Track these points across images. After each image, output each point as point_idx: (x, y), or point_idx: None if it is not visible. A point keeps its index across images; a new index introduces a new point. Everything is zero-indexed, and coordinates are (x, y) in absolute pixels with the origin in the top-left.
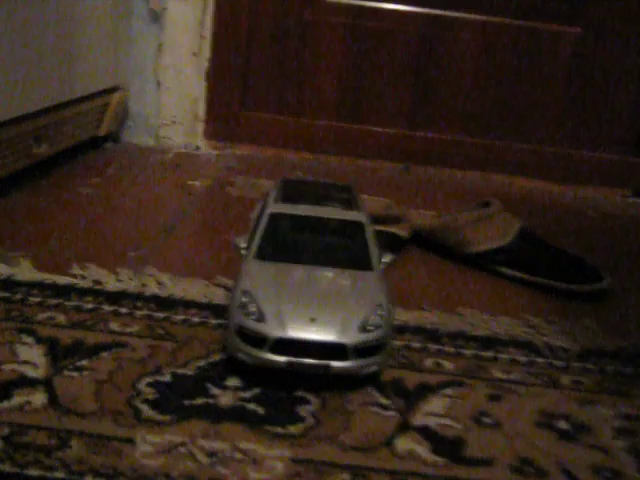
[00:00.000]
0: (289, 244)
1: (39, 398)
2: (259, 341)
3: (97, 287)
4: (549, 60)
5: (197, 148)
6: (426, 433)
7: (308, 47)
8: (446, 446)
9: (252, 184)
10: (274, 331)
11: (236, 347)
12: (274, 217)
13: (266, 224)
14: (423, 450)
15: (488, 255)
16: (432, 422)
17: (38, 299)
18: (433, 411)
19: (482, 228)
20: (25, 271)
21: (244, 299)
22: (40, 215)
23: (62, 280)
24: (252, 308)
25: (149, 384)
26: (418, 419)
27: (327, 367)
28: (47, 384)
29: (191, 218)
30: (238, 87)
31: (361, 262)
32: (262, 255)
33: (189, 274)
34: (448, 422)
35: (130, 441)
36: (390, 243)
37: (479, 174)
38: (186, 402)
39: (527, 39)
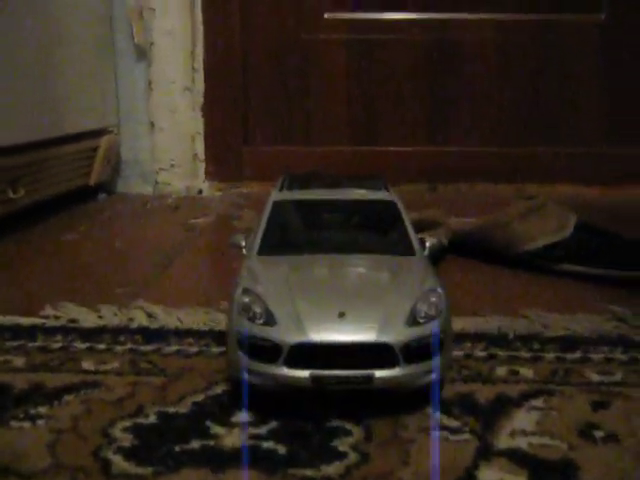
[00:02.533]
0: (301, 235)
1: None
2: (270, 353)
3: (71, 325)
4: (574, 53)
5: (200, 191)
6: (518, 458)
7: (310, 68)
8: (551, 473)
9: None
10: (289, 335)
11: (240, 366)
12: (278, 206)
13: (269, 215)
14: None
15: (545, 251)
16: (523, 443)
17: None
18: (521, 429)
19: (535, 221)
20: None
21: (246, 299)
22: (13, 262)
23: (27, 322)
24: (257, 309)
25: (126, 429)
26: (503, 441)
27: (368, 379)
28: None
29: (191, 252)
30: (238, 120)
31: (399, 246)
32: (267, 250)
33: (187, 304)
34: (546, 441)
35: None
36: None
37: (512, 186)
38: (177, 448)
39: (546, 33)
